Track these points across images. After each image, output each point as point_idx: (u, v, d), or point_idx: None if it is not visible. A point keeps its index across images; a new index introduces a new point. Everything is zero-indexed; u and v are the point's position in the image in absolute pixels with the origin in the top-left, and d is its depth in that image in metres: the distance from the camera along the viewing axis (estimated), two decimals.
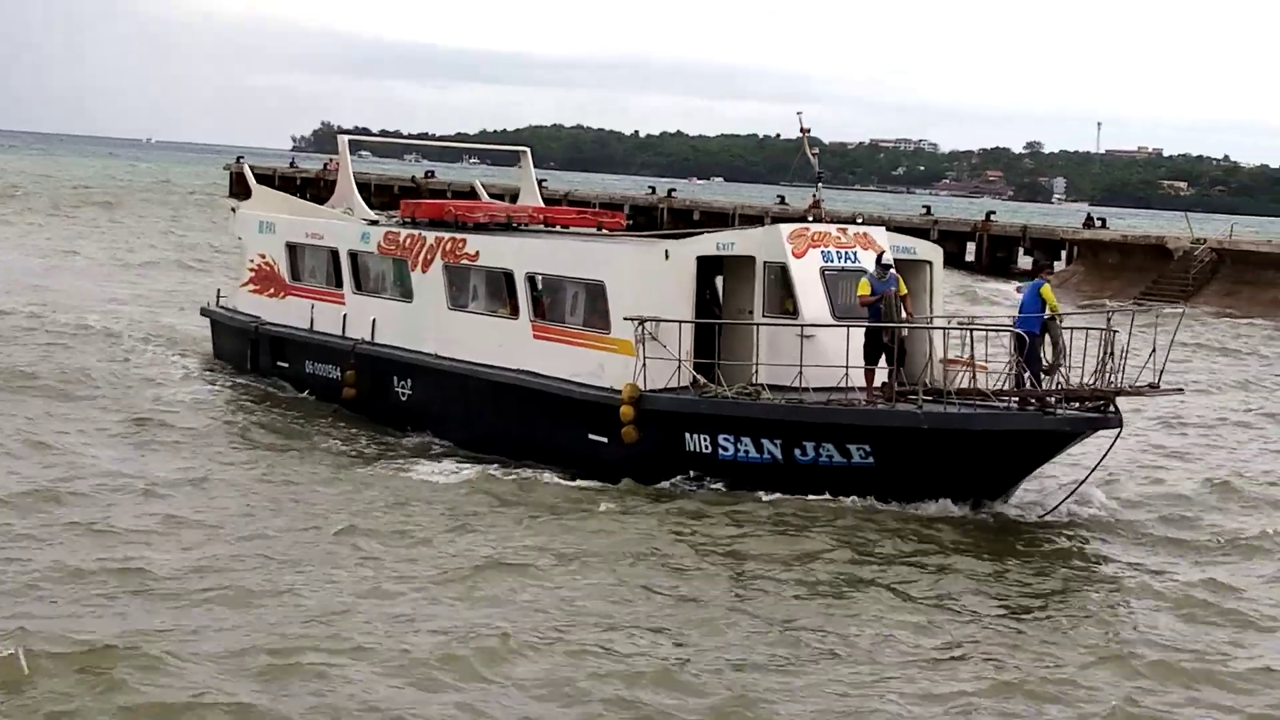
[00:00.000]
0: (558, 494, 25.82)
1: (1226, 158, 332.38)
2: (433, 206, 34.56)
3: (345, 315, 34.05)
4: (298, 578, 20.08)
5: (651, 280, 26.51)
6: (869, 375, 24.70)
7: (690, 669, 17.04)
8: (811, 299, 26.33)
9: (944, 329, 24.92)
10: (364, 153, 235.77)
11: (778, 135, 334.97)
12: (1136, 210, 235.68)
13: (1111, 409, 23.03)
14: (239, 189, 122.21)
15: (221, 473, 26.52)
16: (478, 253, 30.69)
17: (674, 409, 25.63)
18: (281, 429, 31.38)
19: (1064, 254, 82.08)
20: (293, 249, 36.23)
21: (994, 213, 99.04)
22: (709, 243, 27.18)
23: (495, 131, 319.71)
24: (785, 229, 26.91)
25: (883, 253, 26.06)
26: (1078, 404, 23.19)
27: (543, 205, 36.65)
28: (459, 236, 31.26)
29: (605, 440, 26.90)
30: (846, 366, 24.79)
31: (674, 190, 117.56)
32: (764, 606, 19.50)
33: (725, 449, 25.26)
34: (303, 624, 18.06)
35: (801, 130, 28.22)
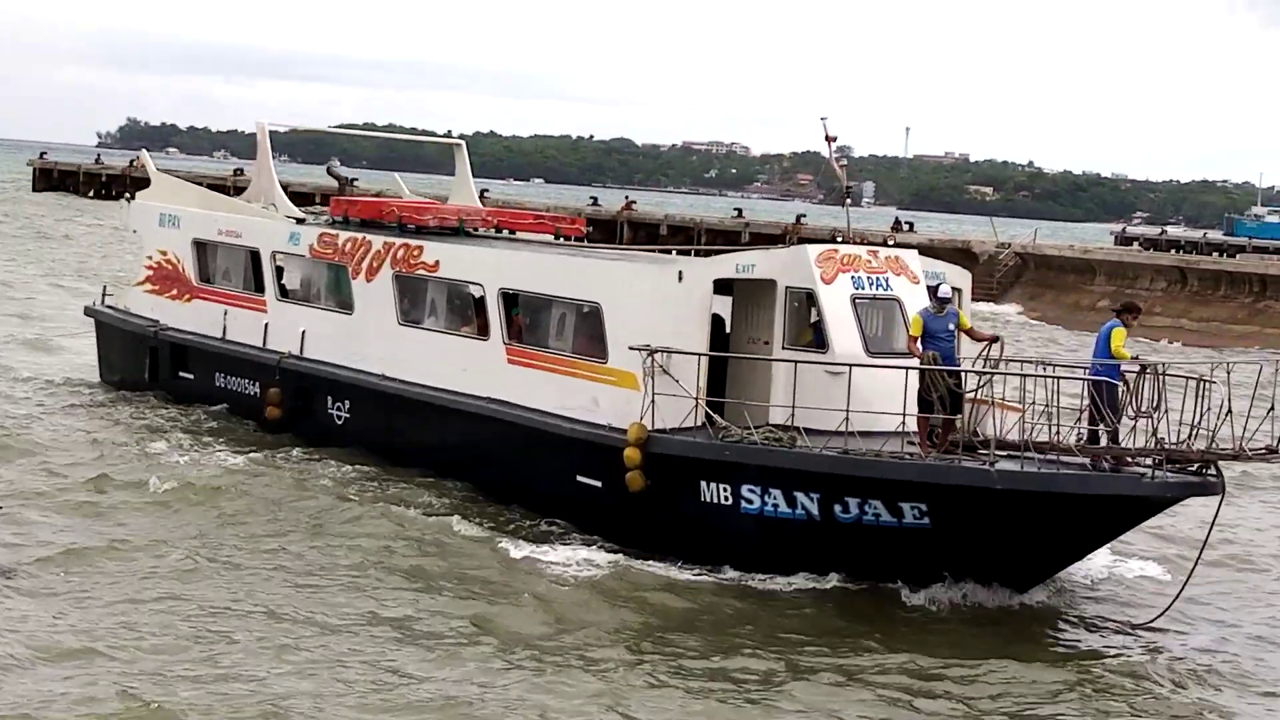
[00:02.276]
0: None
1: (1031, 163, 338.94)
2: (370, 206, 31.06)
3: (267, 324, 30.47)
4: None
5: (661, 305, 23.41)
6: (922, 424, 21.72)
7: None
8: (843, 331, 23.43)
9: (1013, 374, 21.94)
10: (170, 150, 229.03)
11: (590, 136, 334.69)
12: (944, 214, 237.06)
13: (1213, 472, 20.29)
14: (42, 184, 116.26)
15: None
16: (438, 262, 27.29)
17: (690, 454, 22.53)
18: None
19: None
20: (201, 247, 32.46)
21: (804, 216, 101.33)
22: (728, 264, 24.09)
23: (308, 130, 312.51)
24: (813, 250, 23.93)
25: (939, 285, 23.13)
26: (1171, 466, 20.36)
27: (480, 207, 33.27)
28: (414, 243, 27.83)
29: (599, 485, 23.73)
30: (903, 413, 21.82)
31: (487, 191, 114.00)
32: None
33: (749, 501, 22.25)
34: None
35: (827, 139, 25.21)
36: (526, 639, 19.26)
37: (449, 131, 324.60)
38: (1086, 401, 21.09)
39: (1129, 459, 20.51)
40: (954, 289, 24.98)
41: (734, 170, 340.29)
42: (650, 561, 22.82)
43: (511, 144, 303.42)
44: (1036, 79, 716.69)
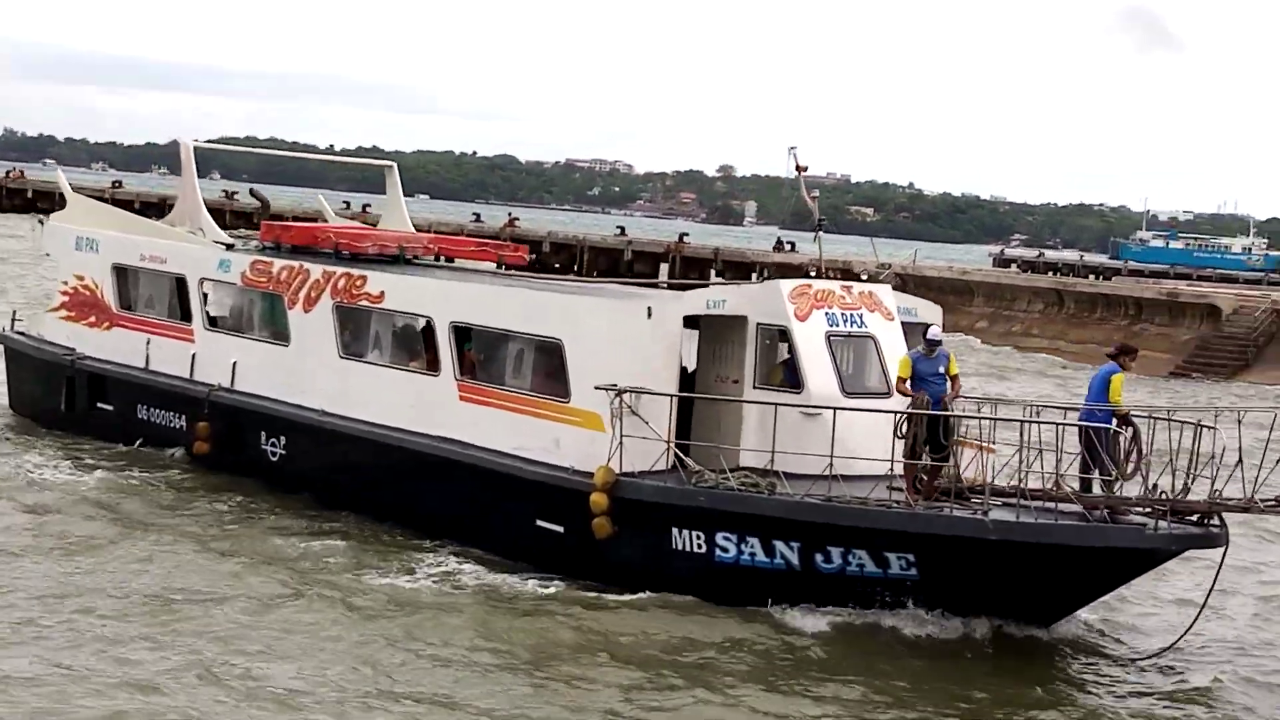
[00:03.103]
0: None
1: (911, 185, 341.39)
2: (304, 232, 29.73)
3: (195, 355, 29.04)
4: None
5: (629, 342, 22.39)
6: (909, 470, 20.79)
7: None
8: (818, 370, 22.49)
9: (1010, 419, 21.08)
10: (47, 161, 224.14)
11: (474, 153, 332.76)
12: (825, 235, 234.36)
13: (1216, 523, 19.51)
14: None
15: None
16: (383, 293, 26.08)
17: (662, 499, 21.49)
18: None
19: (754, 276, 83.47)
20: (123, 272, 30.95)
21: (687, 234, 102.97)
22: (698, 300, 23.12)
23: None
24: (786, 286, 23.00)
25: (929, 326, 22.28)
26: (1168, 516, 19.53)
27: (413, 230, 32.01)
28: (356, 272, 26.56)
29: (561, 530, 22.64)
30: (887, 458, 20.92)
31: (369, 206, 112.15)
32: None
33: (724, 550, 21.23)
34: None
35: (797, 169, 24.34)
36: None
37: (330, 146, 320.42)
38: (1081, 448, 20.23)
39: (1126, 509, 19.68)
40: (925, 324, 24.26)
41: (617, 188, 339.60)
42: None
43: (394, 159, 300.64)
44: (917, 101, 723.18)
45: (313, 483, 26.66)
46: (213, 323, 29.28)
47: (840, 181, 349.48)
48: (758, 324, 22.98)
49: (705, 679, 18.79)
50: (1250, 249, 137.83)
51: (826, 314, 22.92)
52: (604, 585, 22.22)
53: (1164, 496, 19.16)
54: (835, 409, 20.96)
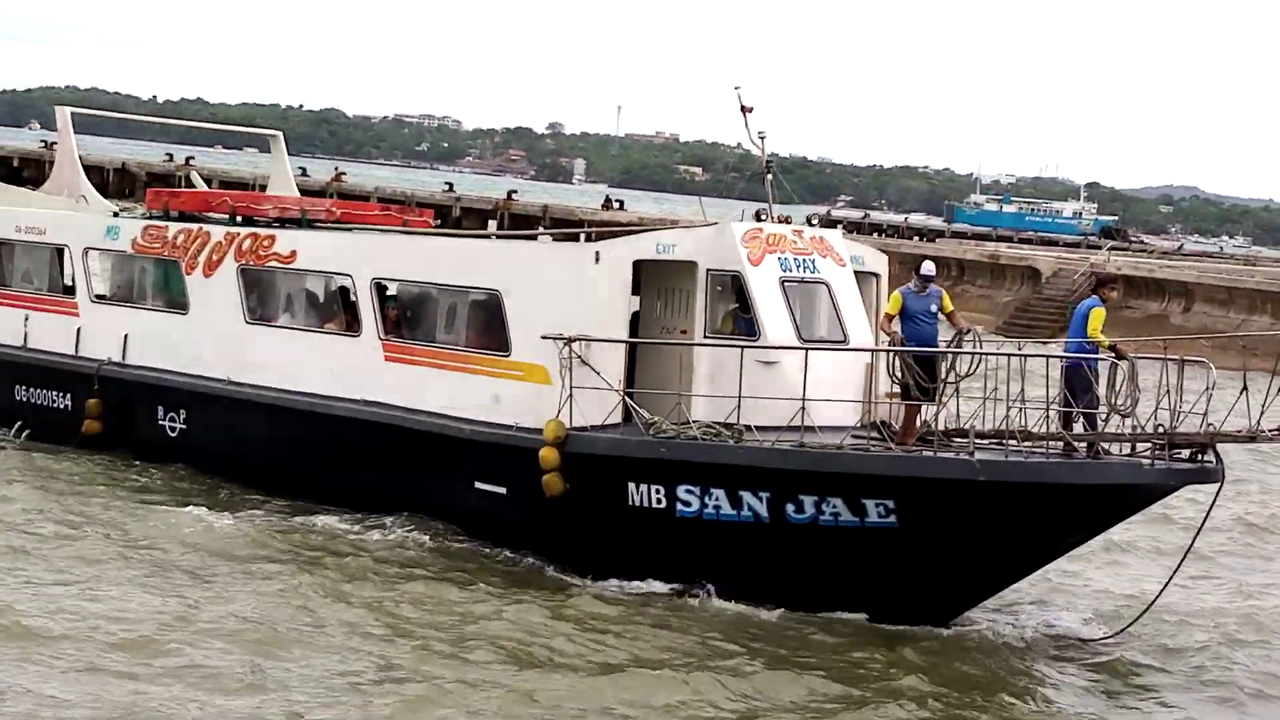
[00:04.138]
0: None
1: (739, 145, 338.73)
2: (195, 198, 28.08)
3: (80, 330, 27.15)
4: None
5: (577, 290, 21.11)
6: (910, 413, 19.78)
7: None
8: (775, 317, 21.37)
9: (992, 353, 20.06)
10: None
11: (300, 106, 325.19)
12: (655, 193, 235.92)
13: (1210, 458, 18.72)
14: None
15: None
16: (294, 252, 24.55)
17: (620, 453, 20.28)
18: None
19: (583, 236, 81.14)
20: None
21: (515, 191, 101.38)
22: (648, 244, 21.85)
23: (4, 92, 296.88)
24: (739, 229, 21.87)
25: (923, 261, 21.29)
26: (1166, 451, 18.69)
27: (299, 196, 30.32)
28: (263, 233, 24.97)
29: (503, 491, 21.33)
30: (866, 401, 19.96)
31: (192, 158, 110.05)
32: None
33: (686, 504, 20.06)
34: None
35: (742, 109, 23.11)
36: None
37: (154, 97, 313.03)
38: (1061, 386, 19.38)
39: (1116, 445, 18.85)
40: (870, 273, 23.38)
41: (446, 144, 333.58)
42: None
43: (219, 111, 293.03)
44: (746, 61, 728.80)
45: (217, 458, 25.04)
46: (100, 295, 27.45)
47: (669, 140, 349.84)
48: (708, 270, 21.82)
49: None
50: (1080, 213, 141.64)
51: (779, 259, 21.85)
52: (551, 549, 21.10)
53: (1161, 430, 18.30)
54: (806, 350, 19.86)
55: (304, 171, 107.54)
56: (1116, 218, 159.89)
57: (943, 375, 19.68)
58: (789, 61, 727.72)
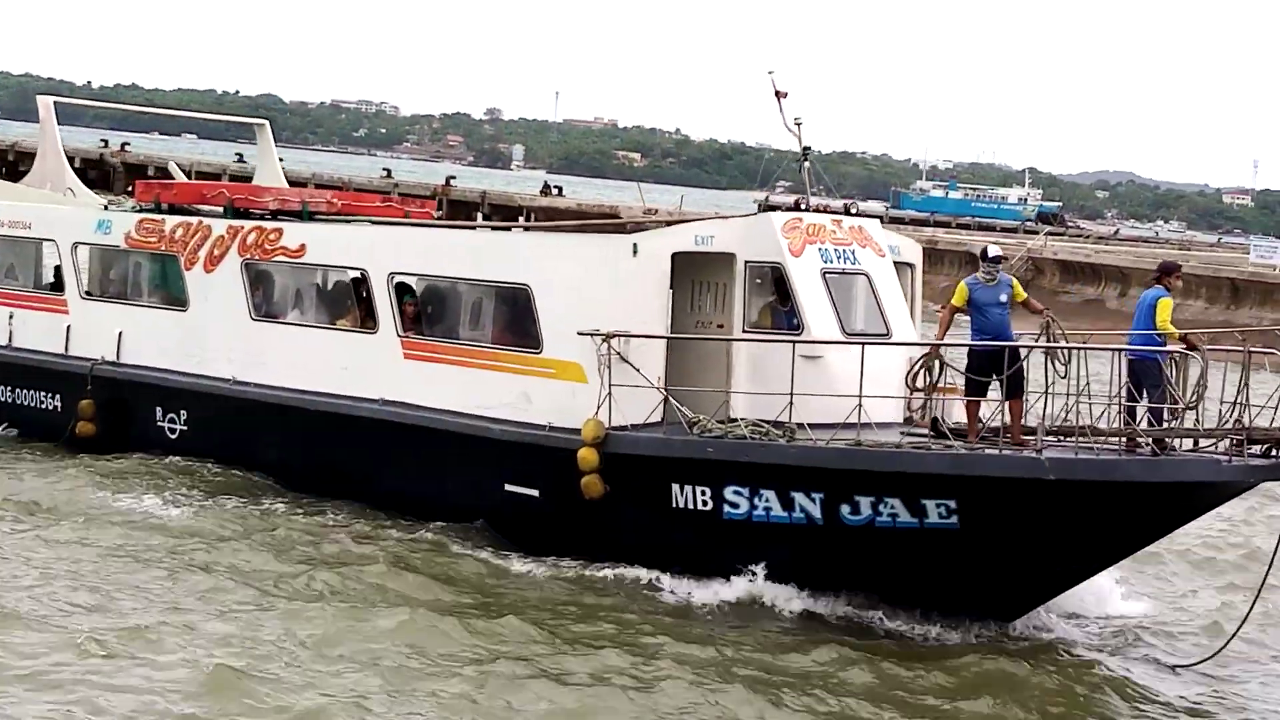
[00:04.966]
0: None
1: (678, 130, 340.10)
2: (190, 190, 27.09)
3: (70, 327, 26.07)
4: None
5: (614, 284, 20.26)
6: (972, 409, 19.02)
7: None
8: (818, 310, 20.60)
9: (1068, 346, 19.22)
10: None
11: (237, 91, 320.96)
12: (593, 179, 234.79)
13: None
14: None
15: None
16: (303, 246, 23.55)
17: (663, 453, 19.43)
18: None
19: (521, 219, 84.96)
20: None
21: (454, 177, 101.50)
22: (686, 235, 20.99)
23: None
24: (778, 219, 21.09)
25: (987, 246, 20.51)
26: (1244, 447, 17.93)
27: (300, 187, 29.30)
28: (269, 226, 23.98)
29: (536, 493, 20.48)
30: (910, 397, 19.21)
31: (128, 144, 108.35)
32: None
33: (735, 505, 19.25)
34: None
35: (777, 94, 22.28)
36: None
37: (89, 83, 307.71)
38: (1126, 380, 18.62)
39: (1195, 443, 18.13)
40: (905, 264, 22.62)
41: (383, 130, 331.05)
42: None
43: (155, 97, 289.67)
44: (683, 46, 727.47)
45: (222, 459, 24.05)
46: (91, 290, 26.35)
47: (607, 125, 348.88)
48: (747, 262, 21.00)
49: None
50: (1025, 199, 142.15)
51: (820, 250, 21.06)
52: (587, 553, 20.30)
53: (1239, 426, 17.60)
54: (864, 345, 19.04)
55: (240, 158, 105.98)
56: (1060, 204, 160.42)
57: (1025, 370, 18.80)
58: (728, 46, 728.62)
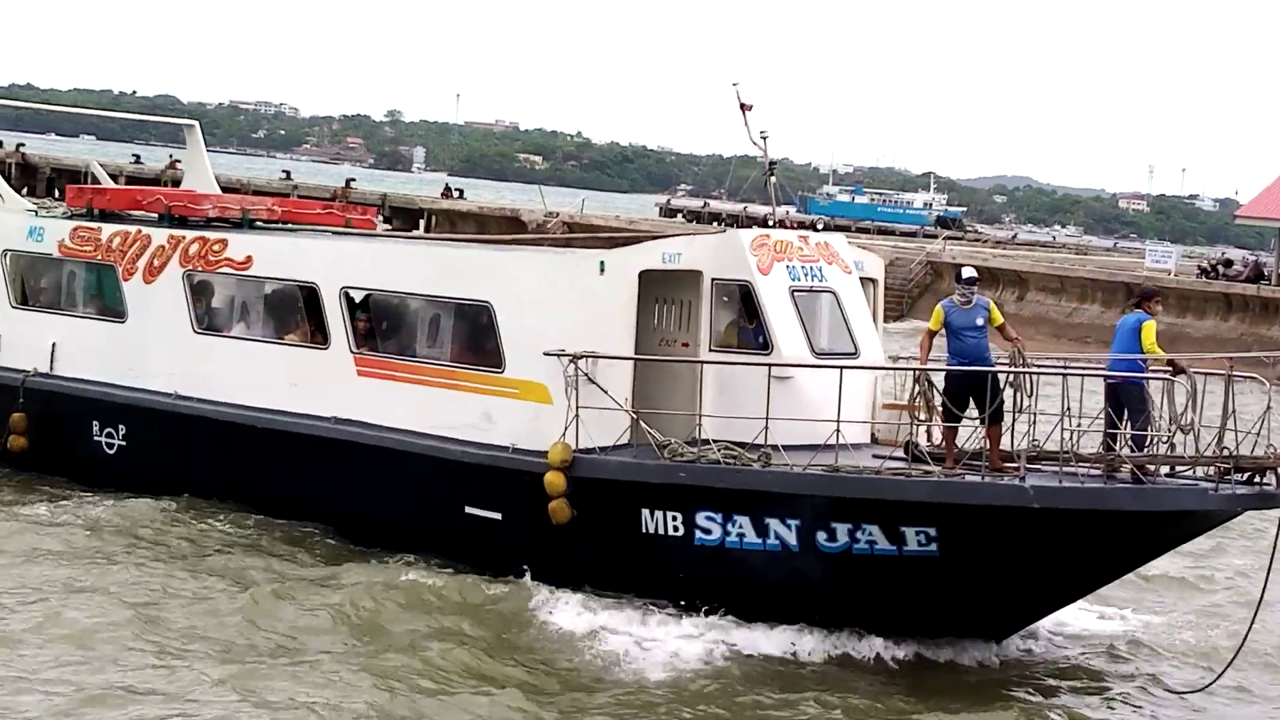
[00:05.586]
0: None
1: (580, 133, 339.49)
2: (123, 195, 26.25)
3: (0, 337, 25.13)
4: None
5: (578, 302, 19.68)
6: (949, 435, 18.64)
7: None
8: (787, 329, 20.15)
9: (1048, 372, 18.92)
10: None
11: (134, 92, 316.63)
12: (494, 182, 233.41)
13: (1271, 482, 17.76)
14: None
15: None
16: (249, 258, 22.77)
17: (632, 477, 18.91)
18: None
19: (422, 223, 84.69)
20: None
21: (354, 180, 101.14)
22: (653, 253, 20.45)
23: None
24: (746, 236, 20.61)
25: (961, 267, 20.12)
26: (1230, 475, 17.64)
27: (220, 192, 28.43)
28: (213, 236, 23.20)
29: (498, 517, 19.91)
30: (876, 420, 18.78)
31: (23, 145, 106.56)
32: None
33: (707, 531, 18.76)
34: None
35: (742, 106, 21.81)
36: None
37: None
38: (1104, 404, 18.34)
39: (1172, 469, 17.85)
40: (868, 279, 22.22)
41: (283, 131, 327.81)
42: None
43: (50, 97, 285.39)
44: (583, 50, 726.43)
45: (161, 477, 23.25)
46: (22, 299, 25.42)
47: (509, 128, 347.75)
48: (714, 279, 20.52)
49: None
50: (930, 204, 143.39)
51: (788, 267, 20.62)
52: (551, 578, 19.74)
53: (1226, 453, 17.32)
54: (841, 370, 18.59)
55: (138, 159, 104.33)
56: (965, 209, 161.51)
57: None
58: (629, 49, 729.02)
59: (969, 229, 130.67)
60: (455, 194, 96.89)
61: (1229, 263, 71.52)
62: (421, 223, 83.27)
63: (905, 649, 18.58)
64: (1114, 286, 63.00)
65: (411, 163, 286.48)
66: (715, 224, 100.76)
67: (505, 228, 77.44)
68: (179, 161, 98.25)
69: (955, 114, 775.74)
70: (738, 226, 26.17)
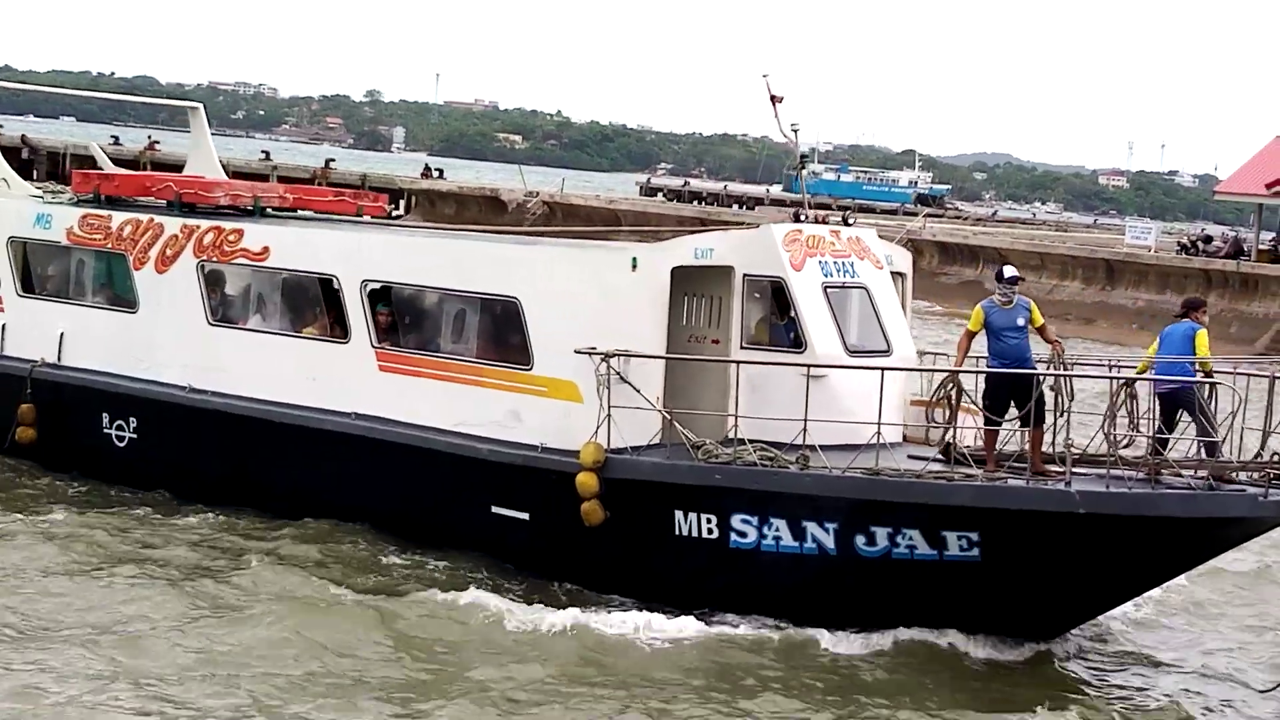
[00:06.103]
0: None
1: (559, 113, 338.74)
2: (132, 181, 25.69)
3: (5, 327, 24.65)
4: None
5: (609, 299, 19.24)
6: (991, 437, 18.25)
7: None
8: (821, 326, 19.76)
9: (1095, 375, 18.59)
10: None
11: (112, 73, 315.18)
12: (474, 161, 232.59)
13: None
14: None
15: None
16: (266, 249, 22.29)
17: (667, 479, 18.49)
18: None
19: (403, 203, 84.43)
20: None
21: (334, 160, 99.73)
22: (685, 249, 19.99)
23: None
24: (779, 231, 20.16)
25: (1003, 265, 19.73)
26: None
27: (225, 178, 27.91)
28: (228, 226, 22.71)
29: (525, 517, 19.48)
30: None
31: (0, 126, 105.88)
32: None
33: (743, 534, 18.38)
34: None
35: (772, 99, 21.32)
36: None
37: None
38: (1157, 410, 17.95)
39: (1229, 475, 17.46)
40: (897, 273, 21.83)
41: (262, 112, 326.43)
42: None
43: (28, 79, 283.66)
44: (564, 29, 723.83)
45: (172, 470, 22.82)
46: (29, 287, 24.90)
47: (488, 108, 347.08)
48: (745, 275, 20.09)
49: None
50: (916, 181, 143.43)
51: (820, 263, 20.21)
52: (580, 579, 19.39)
53: (1276, 459, 17.00)
54: (882, 370, 18.20)
55: (116, 140, 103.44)
56: (949, 186, 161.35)
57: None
58: (609, 29, 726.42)
59: (950, 206, 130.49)
60: (435, 174, 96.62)
61: (1208, 239, 71.43)
62: (401, 203, 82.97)
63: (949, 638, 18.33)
64: (1094, 263, 63.27)
65: (391, 143, 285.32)
66: (696, 202, 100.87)
67: (485, 207, 77.34)
68: (158, 143, 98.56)
69: (935, 91, 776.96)
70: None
